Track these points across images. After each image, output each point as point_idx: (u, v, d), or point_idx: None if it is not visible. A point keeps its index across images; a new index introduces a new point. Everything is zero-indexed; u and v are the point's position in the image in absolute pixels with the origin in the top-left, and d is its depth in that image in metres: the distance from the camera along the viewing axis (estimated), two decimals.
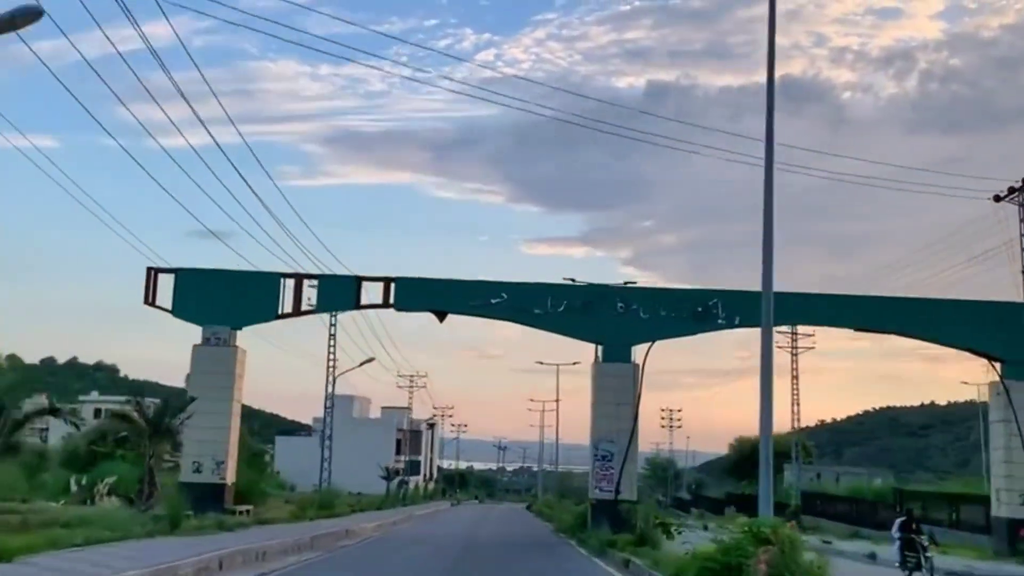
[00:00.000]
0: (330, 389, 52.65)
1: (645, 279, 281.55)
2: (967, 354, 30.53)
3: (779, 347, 57.42)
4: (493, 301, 29.19)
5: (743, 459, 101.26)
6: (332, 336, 50.99)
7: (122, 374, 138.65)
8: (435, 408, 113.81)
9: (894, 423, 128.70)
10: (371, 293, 30.19)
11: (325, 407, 48.18)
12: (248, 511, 29.78)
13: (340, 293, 29.50)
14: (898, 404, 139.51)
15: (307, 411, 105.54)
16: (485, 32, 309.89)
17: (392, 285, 29.32)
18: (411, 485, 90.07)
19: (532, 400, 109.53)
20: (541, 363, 79.31)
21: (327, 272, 30.62)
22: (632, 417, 28.41)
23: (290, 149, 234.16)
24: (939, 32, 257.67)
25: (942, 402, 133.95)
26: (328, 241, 67.29)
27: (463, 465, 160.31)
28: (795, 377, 57.33)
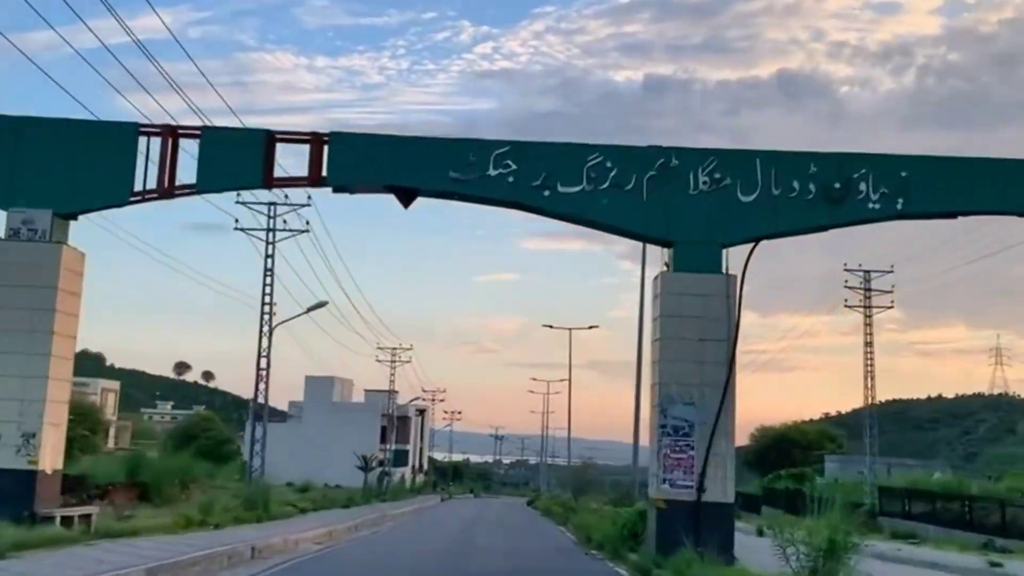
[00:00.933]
0: (264, 343, 34.50)
1: (636, 271, 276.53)
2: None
3: (848, 307, 46.01)
4: (491, 173, 17.58)
5: (766, 450, 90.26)
6: (269, 270, 34.67)
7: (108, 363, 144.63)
8: (424, 391, 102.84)
9: (900, 416, 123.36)
10: (293, 161, 18.85)
11: (258, 372, 34.45)
12: (88, 516, 18.27)
13: (238, 159, 17.81)
14: (904, 396, 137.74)
15: (290, 395, 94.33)
16: (483, 25, 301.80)
17: (325, 148, 17.73)
18: (397, 477, 78.66)
19: (534, 380, 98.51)
20: (551, 327, 60.64)
21: None
22: (726, 362, 16.90)
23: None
24: (937, 27, 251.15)
25: (949, 395, 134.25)
26: None
27: (458, 457, 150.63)
28: (869, 343, 45.56)
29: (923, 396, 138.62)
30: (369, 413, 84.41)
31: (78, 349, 18.08)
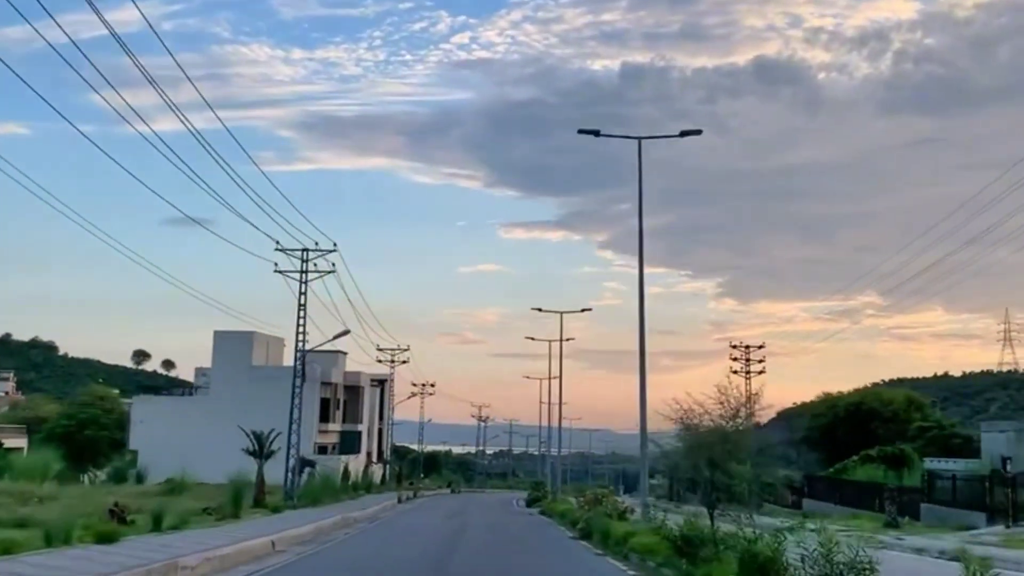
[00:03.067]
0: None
1: (622, 263, 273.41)
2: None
3: None
4: None
5: (833, 426, 68.43)
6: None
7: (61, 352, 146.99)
8: (413, 384, 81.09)
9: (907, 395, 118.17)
10: None
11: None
12: None
13: None
14: (911, 375, 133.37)
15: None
16: (460, 15, 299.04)
17: None
18: (345, 468, 55.80)
19: (527, 378, 77.77)
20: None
21: None
22: None
23: (264, 134, 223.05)
24: (913, 12, 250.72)
25: (957, 373, 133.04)
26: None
27: (431, 444, 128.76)
28: None
29: (930, 375, 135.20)
30: (307, 383, 61.44)
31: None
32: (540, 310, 55.39)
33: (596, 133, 24.71)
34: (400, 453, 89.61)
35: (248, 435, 34.88)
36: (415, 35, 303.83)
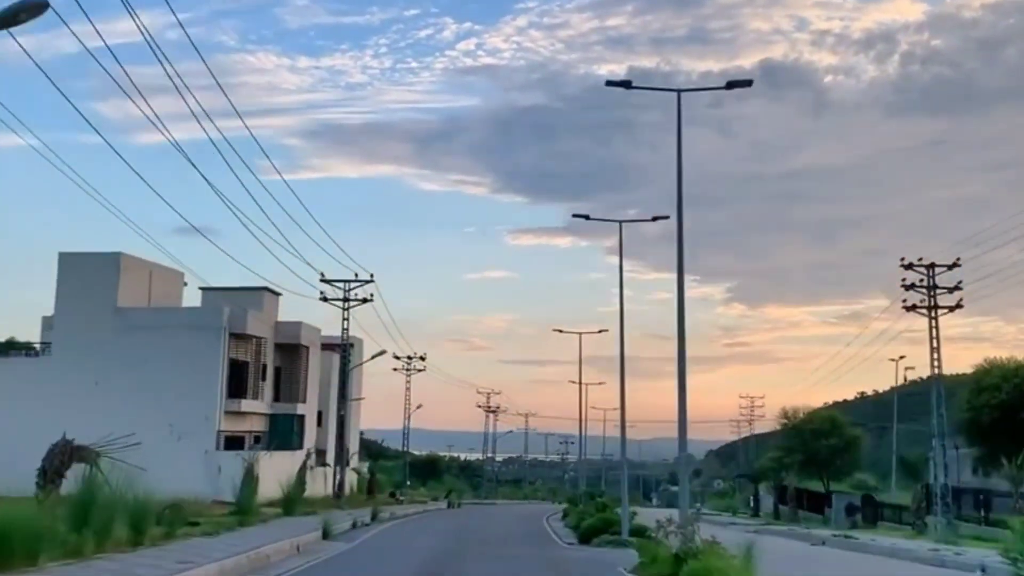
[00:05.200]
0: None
1: (630, 269, 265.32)
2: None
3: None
4: None
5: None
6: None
7: None
8: (396, 357, 59.58)
9: (949, 393, 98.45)
10: None
11: None
12: None
13: None
14: (948, 372, 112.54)
15: None
16: (466, 21, 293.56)
17: None
18: (249, 468, 32.71)
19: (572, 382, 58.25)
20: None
21: None
22: None
23: (270, 143, 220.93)
24: (920, 13, 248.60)
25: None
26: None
27: (433, 447, 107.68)
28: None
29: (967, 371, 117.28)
30: (204, 334, 38.80)
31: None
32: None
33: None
34: (374, 451, 66.50)
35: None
36: (421, 42, 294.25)
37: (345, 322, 41.04)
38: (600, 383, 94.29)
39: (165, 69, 17.42)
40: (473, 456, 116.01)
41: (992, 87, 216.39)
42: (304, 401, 43.59)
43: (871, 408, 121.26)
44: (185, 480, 28.76)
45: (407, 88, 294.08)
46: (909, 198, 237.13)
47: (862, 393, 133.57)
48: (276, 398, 42.67)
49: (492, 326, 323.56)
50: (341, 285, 40.66)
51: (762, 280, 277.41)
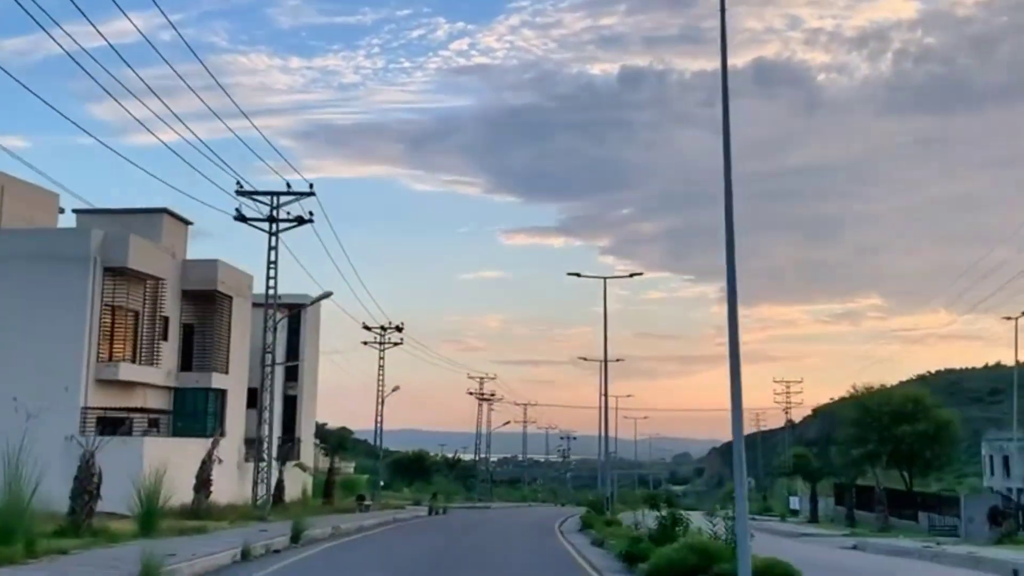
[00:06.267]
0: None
1: (624, 267, 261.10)
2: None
3: None
4: None
5: None
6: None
7: None
8: (366, 328, 47.95)
9: (955, 388, 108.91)
10: None
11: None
12: None
13: None
14: (959, 366, 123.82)
15: None
16: (459, 21, 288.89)
17: None
18: (85, 465, 20.81)
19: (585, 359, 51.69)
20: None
21: None
22: None
23: (263, 144, 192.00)
24: (913, 11, 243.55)
25: (1009, 362, 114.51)
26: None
27: (424, 445, 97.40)
28: None
29: (980, 365, 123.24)
30: (64, 269, 26.45)
31: None
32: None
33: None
34: (348, 446, 54.76)
35: None
36: (413, 42, 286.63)
37: (273, 251, 28.36)
38: (628, 396, 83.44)
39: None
40: (468, 456, 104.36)
41: (985, 84, 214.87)
42: (227, 372, 31.60)
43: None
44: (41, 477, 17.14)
45: (400, 88, 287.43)
46: (903, 196, 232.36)
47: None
48: (186, 366, 30.76)
49: (487, 326, 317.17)
50: (267, 200, 28.12)
51: (756, 279, 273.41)
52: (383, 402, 49.02)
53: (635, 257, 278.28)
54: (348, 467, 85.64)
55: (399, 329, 49.43)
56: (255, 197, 27.74)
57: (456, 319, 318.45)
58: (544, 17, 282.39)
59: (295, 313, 40.39)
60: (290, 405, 40.40)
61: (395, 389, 50.43)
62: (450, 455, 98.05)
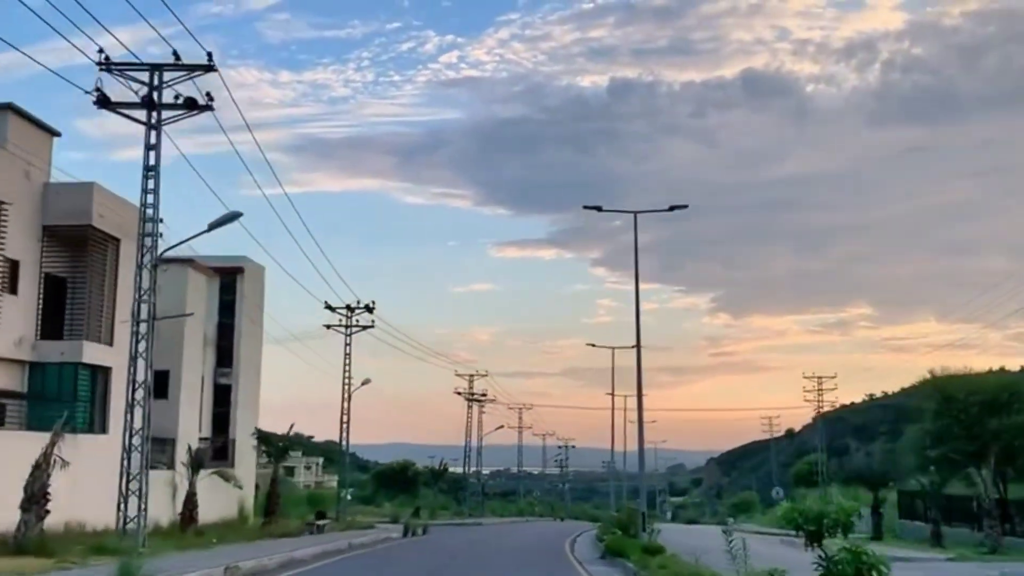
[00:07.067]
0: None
1: (615, 280, 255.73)
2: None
3: None
4: None
5: None
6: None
7: None
8: (329, 308, 38.66)
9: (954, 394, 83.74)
10: None
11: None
12: None
13: None
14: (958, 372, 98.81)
15: None
16: (448, 34, 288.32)
17: None
18: None
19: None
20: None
21: None
22: None
23: (253, 158, 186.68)
24: (901, 22, 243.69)
25: (1013, 367, 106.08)
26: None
27: (412, 456, 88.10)
28: None
29: (982, 370, 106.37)
30: None
31: None
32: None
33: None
34: (272, 440, 45.38)
35: None
36: (403, 55, 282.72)
37: (151, 151, 19.11)
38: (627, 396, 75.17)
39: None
40: (458, 470, 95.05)
41: (972, 94, 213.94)
42: (110, 343, 22.69)
43: (878, 411, 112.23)
44: None
45: (390, 101, 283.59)
46: (891, 205, 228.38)
47: (870, 395, 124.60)
48: (50, 334, 21.85)
49: (477, 339, 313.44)
50: (145, 74, 19.10)
51: (747, 289, 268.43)
52: (350, 397, 40.05)
53: (627, 268, 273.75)
54: (331, 480, 76.41)
55: (369, 309, 40.61)
56: (127, 72, 18.74)
57: (446, 332, 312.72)
58: (533, 30, 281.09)
59: (229, 280, 31.61)
60: (223, 397, 31.46)
61: (365, 382, 41.48)
62: (437, 466, 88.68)
